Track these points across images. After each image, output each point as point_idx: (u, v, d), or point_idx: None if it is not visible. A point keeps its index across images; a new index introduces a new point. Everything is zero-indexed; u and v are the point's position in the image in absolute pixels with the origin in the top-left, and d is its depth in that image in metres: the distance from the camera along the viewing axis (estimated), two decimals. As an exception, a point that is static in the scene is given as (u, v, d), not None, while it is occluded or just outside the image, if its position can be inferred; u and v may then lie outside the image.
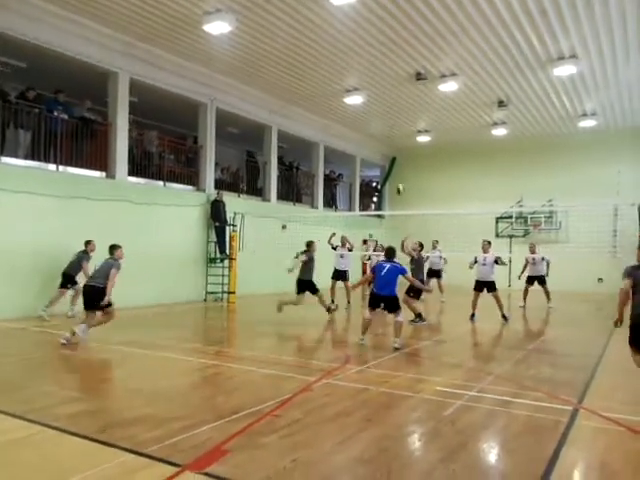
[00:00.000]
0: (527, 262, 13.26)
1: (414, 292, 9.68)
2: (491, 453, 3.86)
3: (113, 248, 7.84)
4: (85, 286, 7.70)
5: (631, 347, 4.89)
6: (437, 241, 14.84)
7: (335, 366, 6.27)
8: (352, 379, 5.71)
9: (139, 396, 4.98)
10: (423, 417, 4.57)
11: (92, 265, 8.73)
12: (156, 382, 5.53)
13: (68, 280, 9.87)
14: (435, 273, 14.51)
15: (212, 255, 14.26)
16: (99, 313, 7.54)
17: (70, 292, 10.05)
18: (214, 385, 5.69)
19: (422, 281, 10.01)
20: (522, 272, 13.34)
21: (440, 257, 14.44)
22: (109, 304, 7.41)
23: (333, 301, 12.03)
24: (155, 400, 4.83)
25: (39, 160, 10.75)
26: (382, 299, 7.07)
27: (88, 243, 10.01)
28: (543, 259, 13.09)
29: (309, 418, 4.34)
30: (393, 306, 7.11)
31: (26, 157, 10.63)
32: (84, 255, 9.84)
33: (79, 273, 9.79)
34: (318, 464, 3.45)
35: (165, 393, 5.08)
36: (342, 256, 13.03)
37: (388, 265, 7.16)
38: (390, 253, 7.33)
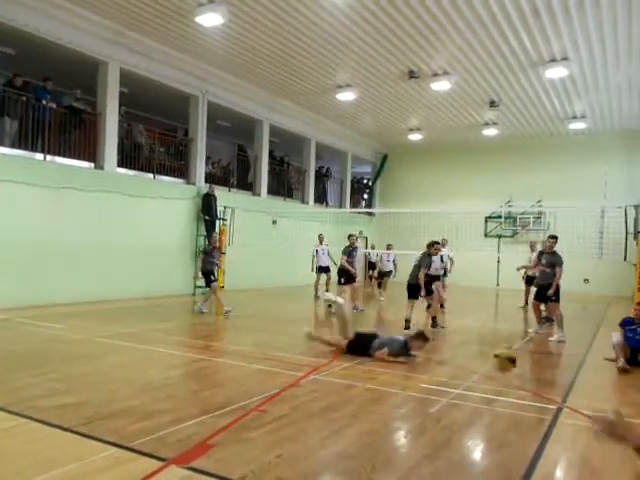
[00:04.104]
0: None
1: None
2: (475, 450, 3.90)
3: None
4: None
5: None
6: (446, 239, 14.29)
7: (323, 362, 6.28)
8: (339, 375, 5.73)
9: (125, 389, 4.94)
10: (409, 414, 4.60)
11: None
12: (142, 375, 5.49)
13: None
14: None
15: (201, 249, 14.18)
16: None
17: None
18: (201, 379, 5.67)
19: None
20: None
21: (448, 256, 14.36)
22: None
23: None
24: (141, 393, 4.80)
25: (26, 149, 10.61)
26: None
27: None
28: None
29: (296, 413, 4.35)
30: None
31: (13, 146, 10.47)
32: (212, 251, 10.75)
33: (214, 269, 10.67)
34: (303, 459, 3.45)
35: (151, 387, 5.05)
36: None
37: None
38: None
